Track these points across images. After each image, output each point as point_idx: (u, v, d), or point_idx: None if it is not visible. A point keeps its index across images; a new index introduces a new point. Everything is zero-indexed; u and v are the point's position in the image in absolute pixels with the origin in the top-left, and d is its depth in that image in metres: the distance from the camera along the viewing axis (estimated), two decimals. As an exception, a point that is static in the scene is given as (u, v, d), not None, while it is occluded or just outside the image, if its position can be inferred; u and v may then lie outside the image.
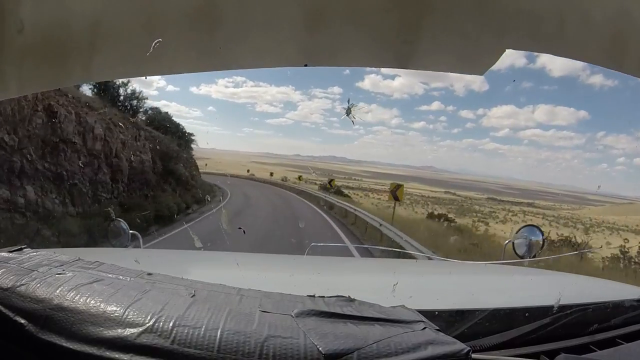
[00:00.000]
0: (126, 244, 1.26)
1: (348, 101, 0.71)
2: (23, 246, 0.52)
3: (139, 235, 1.32)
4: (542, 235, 1.42)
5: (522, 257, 1.38)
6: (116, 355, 0.34)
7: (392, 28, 0.57)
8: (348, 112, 0.73)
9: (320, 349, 0.35)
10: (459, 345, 0.38)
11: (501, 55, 0.56)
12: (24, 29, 0.57)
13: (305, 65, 0.59)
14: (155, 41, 0.54)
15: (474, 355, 0.40)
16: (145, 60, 0.58)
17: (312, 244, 1.20)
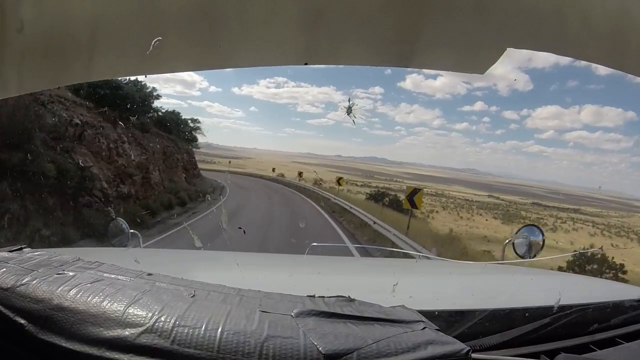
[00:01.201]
0: (126, 243, 1.26)
1: (349, 100, 0.71)
2: (23, 246, 0.52)
3: (139, 234, 1.32)
4: (542, 235, 1.42)
5: (522, 257, 1.38)
6: (116, 355, 0.34)
7: (392, 27, 0.57)
8: (349, 111, 0.73)
9: (320, 349, 0.35)
10: (458, 345, 0.38)
11: (502, 54, 0.56)
12: (23, 28, 0.57)
13: (305, 64, 0.59)
14: (155, 40, 0.54)
15: (474, 355, 0.40)
16: (145, 59, 0.58)
17: (313, 244, 1.20)
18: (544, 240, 1.42)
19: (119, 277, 0.45)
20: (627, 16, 0.55)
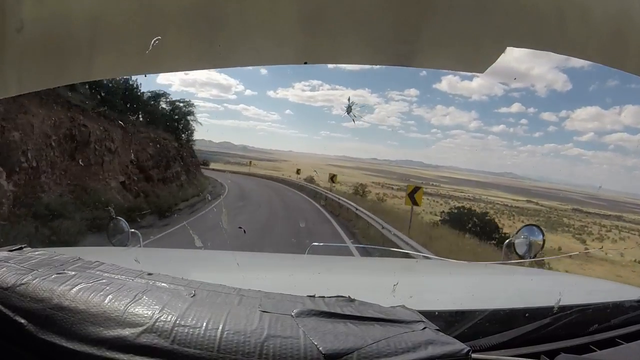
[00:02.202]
0: (126, 242, 1.26)
1: (349, 99, 0.71)
2: (23, 245, 0.52)
3: (139, 234, 1.32)
4: (543, 235, 1.42)
5: (522, 257, 1.38)
6: (116, 355, 0.34)
7: (392, 26, 0.57)
8: (349, 110, 0.73)
9: (320, 348, 0.35)
10: (459, 345, 0.38)
11: (502, 53, 0.56)
12: (23, 27, 0.57)
13: (305, 63, 0.59)
14: (154, 39, 0.54)
15: (474, 355, 0.40)
16: (144, 59, 0.57)
17: (313, 243, 1.20)
18: (544, 240, 1.42)
19: (119, 276, 0.45)
20: (627, 16, 0.55)
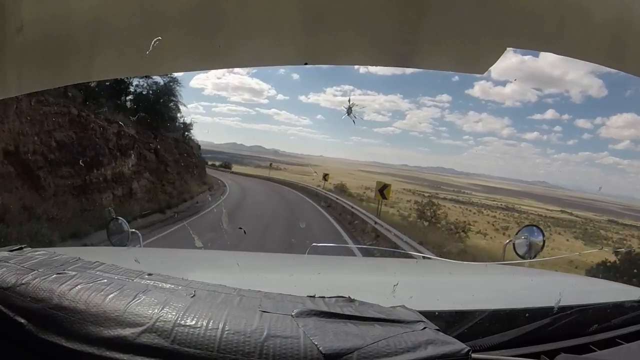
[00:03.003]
0: (126, 242, 1.26)
1: (349, 100, 0.71)
2: (23, 245, 0.52)
3: (139, 234, 1.32)
4: (543, 235, 1.42)
5: (522, 258, 1.38)
6: (116, 355, 0.34)
7: (392, 27, 0.57)
8: (349, 111, 0.73)
9: (320, 348, 0.35)
10: (458, 345, 0.38)
11: (502, 54, 0.56)
12: (23, 28, 0.57)
13: (305, 64, 0.59)
14: (155, 40, 0.54)
15: (474, 355, 0.40)
16: (145, 59, 0.57)
17: (313, 244, 1.20)
18: (544, 241, 1.42)
19: (119, 276, 0.45)
20: (627, 16, 0.55)
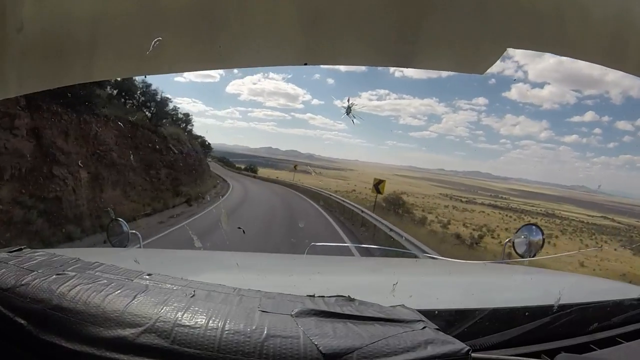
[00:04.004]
0: (125, 243, 1.26)
1: (348, 100, 0.70)
2: (23, 247, 0.52)
3: (139, 234, 1.32)
4: (542, 234, 1.42)
5: (522, 257, 1.38)
6: (116, 355, 0.34)
7: (392, 27, 0.57)
8: (348, 111, 0.73)
9: (320, 348, 0.35)
10: (458, 345, 0.38)
11: (502, 54, 0.56)
12: (23, 28, 0.57)
13: (305, 64, 0.59)
14: (155, 40, 0.54)
15: (473, 355, 0.40)
16: (145, 59, 0.57)
17: (312, 243, 1.20)
18: (543, 240, 1.42)
19: (119, 277, 0.45)
20: (627, 16, 0.55)
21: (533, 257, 1.36)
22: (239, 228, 1.39)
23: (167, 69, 0.64)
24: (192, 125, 15.83)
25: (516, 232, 1.44)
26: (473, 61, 0.60)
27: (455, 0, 0.55)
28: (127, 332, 0.35)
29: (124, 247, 1.26)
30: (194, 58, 0.63)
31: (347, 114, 0.73)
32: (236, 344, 0.35)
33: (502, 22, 0.55)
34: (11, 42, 0.58)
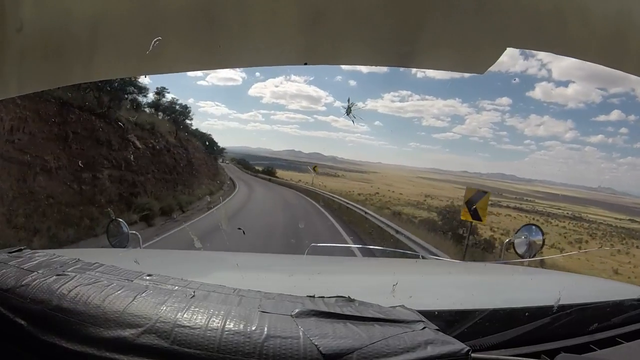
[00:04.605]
0: (125, 243, 1.26)
1: (348, 100, 0.70)
2: (22, 247, 0.52)
3: (139, 235, 1.32)
4: (542, 234, 1.42)
5: (522, 257, 1.38)
6: (116, 356, 0.34)
7: (392, 27, 0.57)
8: (348, 111, 0.73)
9: (320, 349, 0.35)
10: (458, 345, 0.38)
11: (502, 53, 0.56)
12: (23, 28, 0.57)
13: (305, 64, 0.59)
14: (155, 40, 0.54)
15: (473, 355, 0.40)
16: (145, 59, 0.58)
17: (312, 244, 1.20)
18: (543, 240, 1.42)
19: (119, 278, 0.45)
20: (627, 16, 0.55)
21: (533, 257, 1.36)
22: (239, 229, 1.39)
23: (167, 69, 0.64)
24: (192, 119, 15.21)
25: (516, 233, 1.45)
26: (473, 61, 0.60)
27: (455, 1, 0.55)
28: (127, 333, 0.35)
29: (124, 247, 1.26)
30: (194, 58, 0.63)
31: (348, 114, 0.73)
32: (236, 344, 0.35)
33: (502, 22, 0.55)
34: (11, 42, 0.58)
